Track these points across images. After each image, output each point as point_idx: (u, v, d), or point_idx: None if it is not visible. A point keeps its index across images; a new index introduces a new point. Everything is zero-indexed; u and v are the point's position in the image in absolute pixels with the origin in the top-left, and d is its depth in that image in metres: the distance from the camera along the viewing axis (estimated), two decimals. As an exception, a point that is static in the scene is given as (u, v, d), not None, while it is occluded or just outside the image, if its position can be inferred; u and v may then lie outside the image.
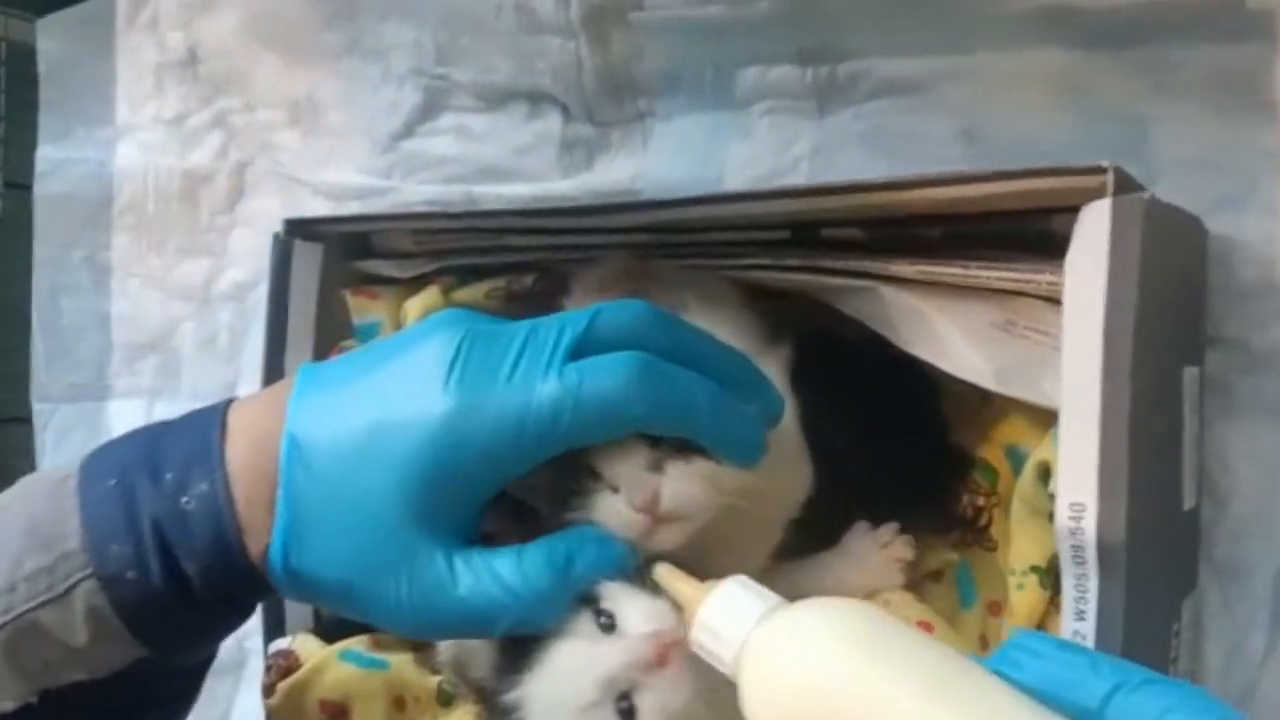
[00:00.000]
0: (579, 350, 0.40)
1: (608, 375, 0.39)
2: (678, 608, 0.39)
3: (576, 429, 0.39)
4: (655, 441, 0.41)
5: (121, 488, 0.41)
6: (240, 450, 0.41)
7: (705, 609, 0.37)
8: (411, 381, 0.40)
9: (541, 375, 0.39)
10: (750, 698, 0.34)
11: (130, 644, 0.41)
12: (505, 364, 0.39)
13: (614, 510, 0.41)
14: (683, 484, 0.41)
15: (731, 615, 0.36)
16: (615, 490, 0.41)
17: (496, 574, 0.39)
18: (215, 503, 0.40)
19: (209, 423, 0.42)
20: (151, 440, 0.42)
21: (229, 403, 0.44)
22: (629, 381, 0.39)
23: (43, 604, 0.40)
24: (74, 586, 0.40)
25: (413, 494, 0.39)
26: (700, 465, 0.41)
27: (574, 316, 0.41)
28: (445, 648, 0.48)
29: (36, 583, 0.40)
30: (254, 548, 0.41)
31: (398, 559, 0.40)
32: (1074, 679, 0.30)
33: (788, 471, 0.47)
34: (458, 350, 0.40)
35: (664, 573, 0.40)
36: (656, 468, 0.41)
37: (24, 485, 0.43)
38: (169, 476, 0.41)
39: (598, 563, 0.40)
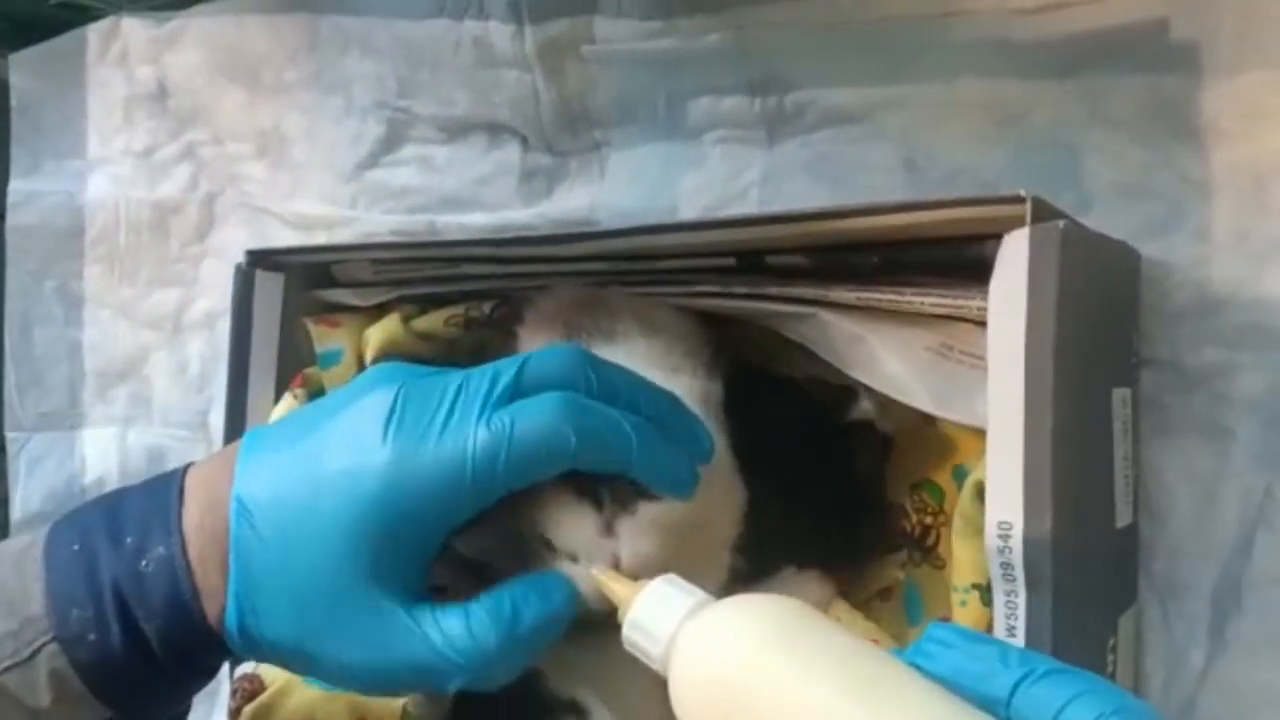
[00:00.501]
0: (511, 396, 0.41)
1: (538, 414, 0.40)
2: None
3: (514, 470, 0.40)
4: (598, 503, 0.42)
5: (84, 552, 0.42)
6: (194, 513, 0.42)
7: (635, 608, 0.38)
8: (351, 437, 0.41)
9: (475, 422, 0.40)
10: (677, 692, 0.35)
11: (93, 705, 0.41)
12: (440, 414, 0.40)
13: (579, 577, 0.42)
14: (639, 542, 0.42)
15: (660, 613, 0.37)
16: (573, 559, 0.42)
17: (445, 633, 0.40)
18: (172, 565, 0.41)
19: (168, 487, 0.43)
20: (114, 505, 0.43)
21: (188, 466, 0.45)
22: (558, 418, 0.40)
23: (8, 669, 0.40)
24: (38, 650, 0.41)
25: (357, 548, 0.40)
26: (647, 512, 0.42)
27: (504, 364, 0.42)
28: None
29: (3, 646, 0.41)
30: (209, 608, 0.41)
31: (347, 616, 0.40)
32: (983, 670, 0.31)
33: (720, 500, 0.48)
34: (393, 404, 0.41)
35: (600, 575, 0.41)
36: (609, 531, 0.42)
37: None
38: (129, 540, 0.42)
39: (543, 614, 0.41)
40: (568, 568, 0.42)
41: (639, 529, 0.42)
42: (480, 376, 0.42)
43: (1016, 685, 0.30)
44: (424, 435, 0.40)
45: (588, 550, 0.42)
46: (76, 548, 0.42)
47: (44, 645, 0.41)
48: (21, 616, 0.41)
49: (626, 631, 0.38)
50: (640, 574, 0.41)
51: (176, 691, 0.45)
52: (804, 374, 0.55)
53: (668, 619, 0.37)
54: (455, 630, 0.40)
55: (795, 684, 0.32)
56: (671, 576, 0.39)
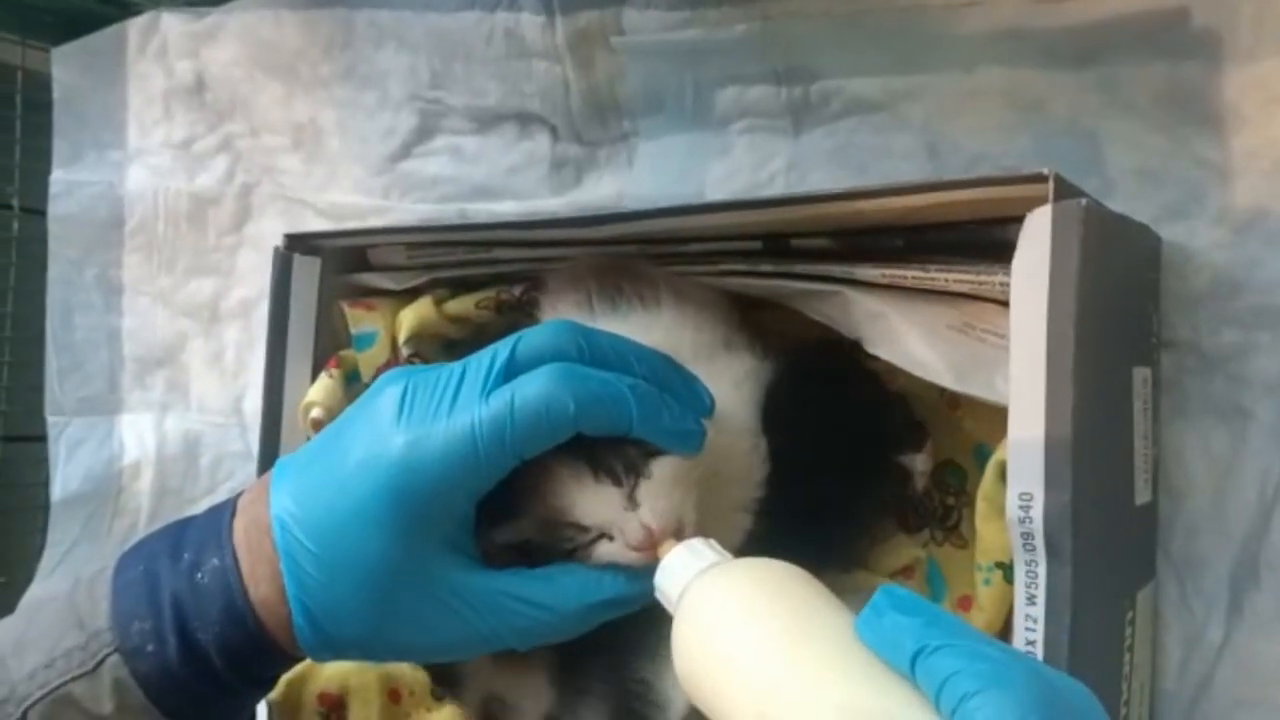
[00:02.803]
0: (510, 374, 0.43)
1: (535, 386, 0.42)
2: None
3: (521, 439, 0.42)
4: (616, 478, 0.43)
5: (147, 572, 0.45)
6: (241, 531, 0.45)
7: (660, 569, 0.41)
8: (367, 433, 0.43)
9: (479, 399, 0.42)
10: (675, 643, 0.38)
11: (151, 713, 0.44)
12: (446, 398, 0.43)
13: (617, 555, 0.44)
14: (661, 503, 0.43)
15: (676, 574, 0.40)
16: (609, 537, 0.44)
17: (525, 596, 0.44)
18: (225, 575, 0.44)
19: (224, 509, 0.46)
20: (178, 531, 0.47)
21: (240, 494, 0.47)
22: (555, 386, 0.42)
23: (75, 678, 0.43)
24: (102, 661, 0.43)
25: (394, 531, 0.42)
26: (662, 469, 0.43)
27: (500, 345, 0.44)
28: None
29: (71, 659, 0.43)
30: (265, 618, 0.44)
31: (413, 595, 0.43)
32: (895, 639, 0.32)
33: (736, 458, 0.49)
34: (403, 397, 0.43)
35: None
36: (632, 502, 0.43)
37: (73, 580, 0.47)
38: (186, 557, 0.45)
39: (621, 590, 0.44)
40: (604, 547, 0.44)
41: (659, 490, 0.43)
42: (480, 359, 0.44)
43: (914, 658, 0.31)
44: (433, 418, 0.42)
45: (616, 525, 0.43)
46: (141, 569, 0.45)
47: (107, 656, 0.43)
48: (89, 631, 0.44)
49: (656, 594, 0.41)
50: (671, 530, 0.43)
51: (233, 703, 0.47)
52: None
53: (680, 579, 0.40)
54: (532, 593, 0.44)
55: (750, 646, 0.35)
56: (695, 541, 0.41)
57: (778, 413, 0.51)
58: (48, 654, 0.43)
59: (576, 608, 0.44)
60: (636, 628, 0.47)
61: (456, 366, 0.44)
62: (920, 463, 0.53)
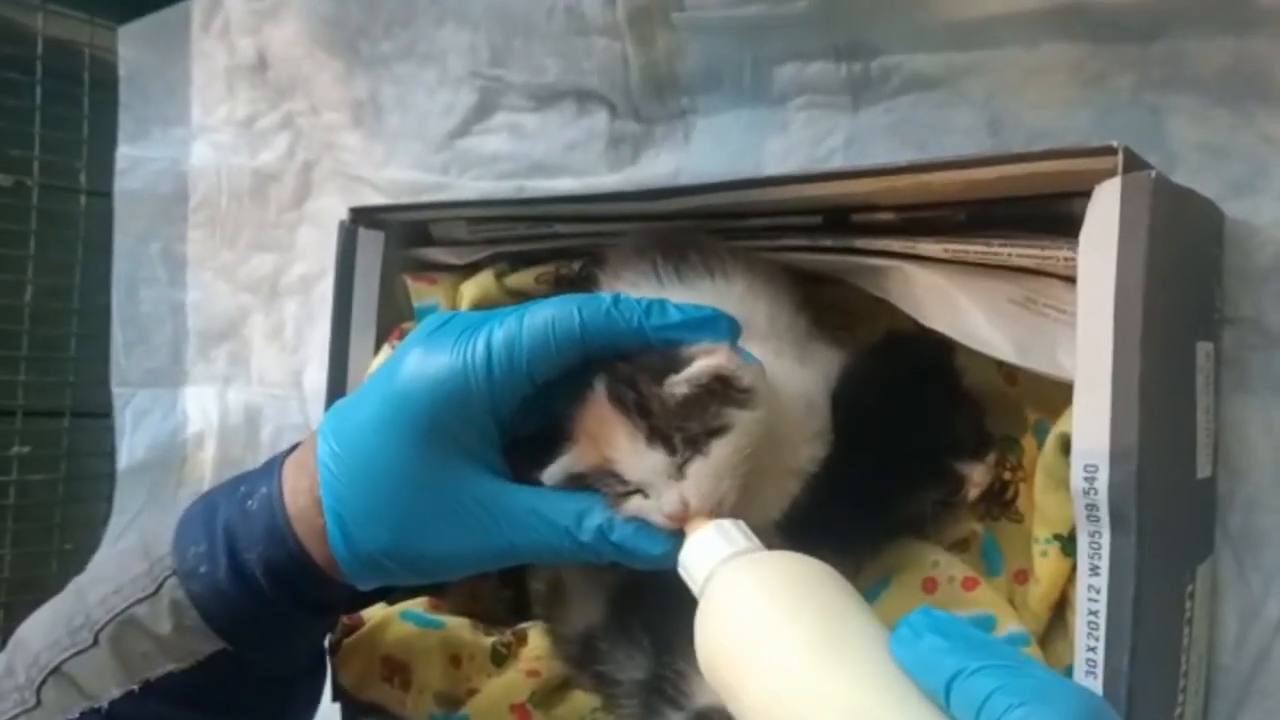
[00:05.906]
0: None
1: (546, 305, 0.45)
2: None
3: (530, 353, 0.44)
4: (672, 448, 0.43)
5: (206, 504, 0.49)
6: (295, 454, 0.49)
7: (685, 548, 0.42)
8: (398, 354, 0.46)
9: (498, 321, 0.45)
10: (698, 627, 0.39)
11: (208, 635, 0.47)
12: (470, 324, 0.45)
13: (648, 512, 0.44)
14: (706, 484, 0.43)
15: (704, 555, 0.41)
16: (645, 495, 0.44)
17: (538, 511, 0.45)
18: (270, 500, 0.47)
19: (286, 451, 0.50)
20: (242, 475, 0.51)
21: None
22: (564, 304, 0.44)
23: (139, 600, 0.47)
24: (162, 583, 0.47)
25: (411, 437, 0.45)
26: (720, 453, 0.43)
27: (540, 299, 0.46)
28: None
29: (136, 584, 0.47)
30: (302, 534, 0.46)
31: (432, 501, 0.45)
32: (931, 662, 0.32)
33: (796, 421, 0.49)
34: (441, 324, 0.46)
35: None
36: (679, 473, 0.43)
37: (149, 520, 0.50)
38: (242, 489, 0.49)
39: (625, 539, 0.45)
40: (638, 502, 0.44)
41: (707, 472, 0.43)
42: (508, 310, 0.46)
43: (951, 680, 0.31)
44: (455, 338, 0.45)
45: (657, 492, 0.44)
46: (203, 503, 0.49)
47: (166, 579, 0.47)
48: (153, 557, 0.48)
49: (680, 569, 0.42)
50: (707, 512, 0.43)
51: (285, 627, 0.49)
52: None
53: (706, 563, 0.40)
54: (557, 511, 0.45)
55: (778, 644, 0.35)
56: (724, 523, 0.42)
57: (849, 393, 0.52)
58: (117, 582, 0.47)
59: (591, 538, 0.44)
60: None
61: (492, 313, 0.46)
62: (978, 473, 0.53)
